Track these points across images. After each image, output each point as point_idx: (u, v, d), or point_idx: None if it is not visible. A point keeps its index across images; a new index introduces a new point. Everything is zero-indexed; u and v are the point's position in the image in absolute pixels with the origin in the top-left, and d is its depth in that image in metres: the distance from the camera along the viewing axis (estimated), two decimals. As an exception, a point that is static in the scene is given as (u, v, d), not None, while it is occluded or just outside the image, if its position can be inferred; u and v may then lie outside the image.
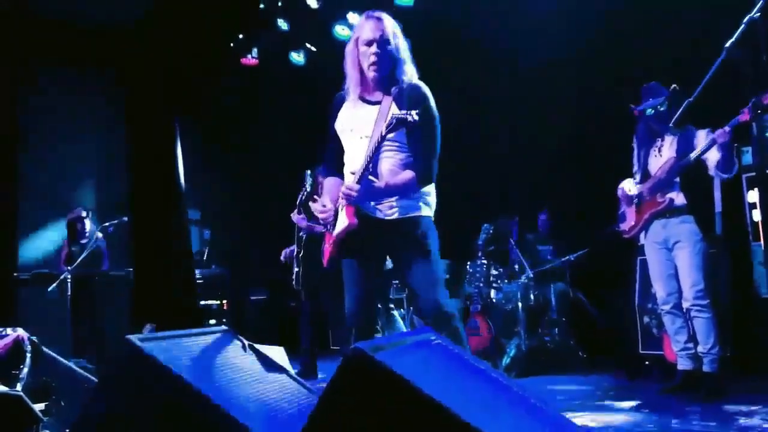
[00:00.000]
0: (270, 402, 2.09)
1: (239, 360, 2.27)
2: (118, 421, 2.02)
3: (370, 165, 2.82)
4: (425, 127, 2.80)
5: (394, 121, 2.69)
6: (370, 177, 2.83)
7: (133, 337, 1.99)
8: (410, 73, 2.90)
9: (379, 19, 2.88)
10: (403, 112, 2.70)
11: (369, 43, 2.85)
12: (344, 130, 2.98)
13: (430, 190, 2.96)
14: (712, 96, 2.48)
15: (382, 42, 2.84)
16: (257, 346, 2.45)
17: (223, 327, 2.47)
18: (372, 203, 2.87)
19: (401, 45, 2.88)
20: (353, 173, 2.88)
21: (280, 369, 2.38)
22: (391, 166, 2.86)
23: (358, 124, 2.91)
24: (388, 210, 2.86)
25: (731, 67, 2.18)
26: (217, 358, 2.19)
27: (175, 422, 1.93)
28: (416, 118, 2.67)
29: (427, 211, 2.93)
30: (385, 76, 2.87)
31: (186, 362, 2.01)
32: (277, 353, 2.77)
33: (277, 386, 2.24)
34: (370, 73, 2.87)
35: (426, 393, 1.31)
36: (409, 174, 2.84)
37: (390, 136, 2.78)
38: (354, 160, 2.91)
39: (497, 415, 1.49)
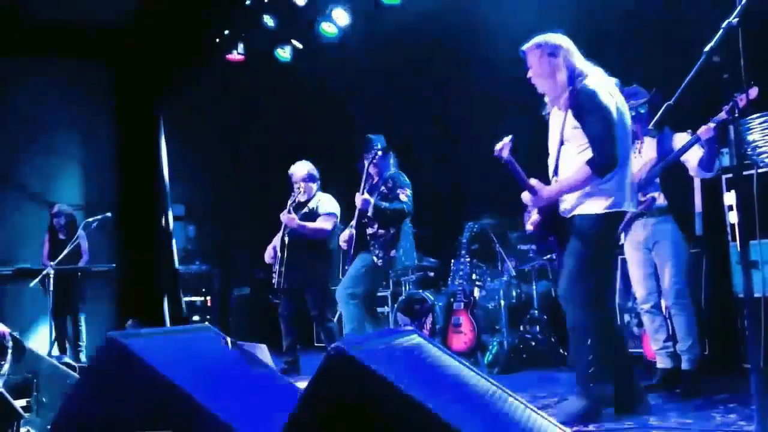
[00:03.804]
0: (253, 399, 2.10)
1: (222, 357, 2.27)
2: (99, 418, 2.02)
3: (556, 170, 3.32)
4: (586, 119, 3.15)
5: None
6: (554, 179, 3.34)
7: (116, 334, 1.99)
8: (572, 77, 3.23)
9: (524, 52, 3.35)
10: None
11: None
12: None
13: (603, 184, 3.19)
14: (691, 100, 2.52)
15: (530, 71, 3.33)
16: (240, 343, 2.45)
17: (206, 324, 2.48)
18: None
19: (545, 65, 3.27)
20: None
21: (263, 366, 2.39)
22: (570, 165, 3.25)
23: (551, 135, 3.40)
24: (562, 207, 3.33)
25: (710, 72, 2.21)
26: (200, 355, 2.19)
27: (157, 420, 1.94)
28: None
29: (587, 208, 3.22)
30: (548, 93, 3.33)
31: (169, 359, 2.01)
32: (260, 351, 2.78)
33: (260, 383, 2.25)
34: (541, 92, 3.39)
35: (405, 391, 1.33)
36: (580, 167, 3.18)
37: (567, 137, 3.23)
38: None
39: (475, 412, 1.52)
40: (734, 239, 4.26)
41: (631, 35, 5.39)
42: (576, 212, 3.28)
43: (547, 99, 3.42)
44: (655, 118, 2.35)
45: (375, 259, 4.78)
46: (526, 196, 3.35)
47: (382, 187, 4.94)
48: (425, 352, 1.74)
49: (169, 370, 1.91)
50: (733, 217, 4.22)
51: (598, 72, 3.31)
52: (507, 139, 3.44)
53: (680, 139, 3.94)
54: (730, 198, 4.21)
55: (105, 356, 2.02)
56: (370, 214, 4.82)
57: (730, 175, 4.41)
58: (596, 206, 3.23)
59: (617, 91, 3.32)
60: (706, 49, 2.17)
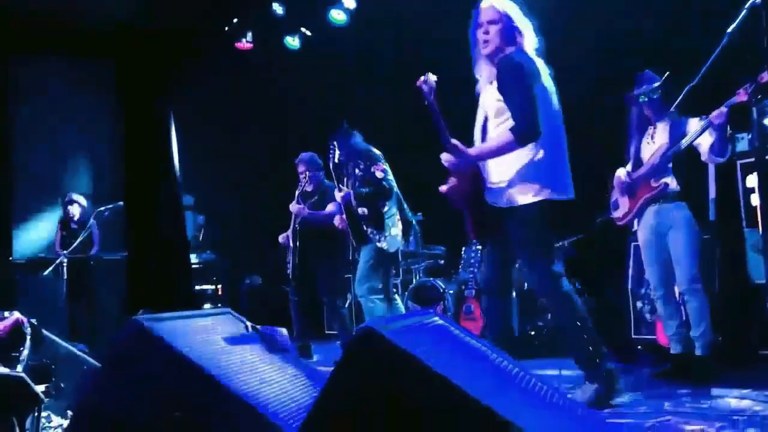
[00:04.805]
0: (275, 381, 2.12)
1: (243, 341, 2.29)
2: (123, 402, 2.03)
3: (482, 138, 3.19)
4: (507, 89, 3.09)
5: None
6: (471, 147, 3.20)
7: (140, 318, 2.00)
8: (514, 46, 3.16)
9: (485, 4, 3.22)
10: None
11: (479, 26, 3.22)
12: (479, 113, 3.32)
13: (530, 166, 3.12)
14: (711, 83, 2.50)
15: (486, 24, 3.18)
16: (260, 327, 2.46)
17: (227, 309, 2.49)
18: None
19: (505, 24, 3.17)
20: None
21: (282, 350, 2.40)
22: (496, 130, 3.16)
23: (483, 104, 3.26)
24: (490, 198, 3.20)
25: (732, 53, 2.20)
26: (221, 339, 2.21)
27: (181, 403, 1.95)
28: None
29: (516, 199, 3.14)
30: (494, 55, 3.19)
31: (192, 343, 2.02)
32: (280, 334, 2.79)
33: (282, 366, 2.27)
34: (484, 52, 3.21)
35: (435, 369, 1.34)
36: (502, 133, 3.10)
37: (491, 111, 3.14)
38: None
39: (502, 389, 1.53)
40: (753, 224, 4.24)
41: (643, 19, 5.35)
42: (507, 204, 3.18)
43: (478, 75, 3.33)
44: (678, 100, 2.34)
45: (378, 245, 4.74)
46: (445, 156, 3.21)
47: (356, 170, 4.87)
48: (448, 333, 1.76)
49: (194, 353, 1.93)
50: (754, 201, 4.20)
51: (530, 47, 3.24)
52: (432, 77, 3.25)
53: (694, 123, 3.91)
54: (751, 181, 4.19)
55: (128, 340, 2.03)
56: (354, 204, 4.77)
57: (746, 160, 4.40)
58: (524, 196, 3.14)
59: (546, 72, 3.26)
60: (729, 29, 2.15)
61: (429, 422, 1.36)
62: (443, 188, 3.31)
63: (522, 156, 3.12)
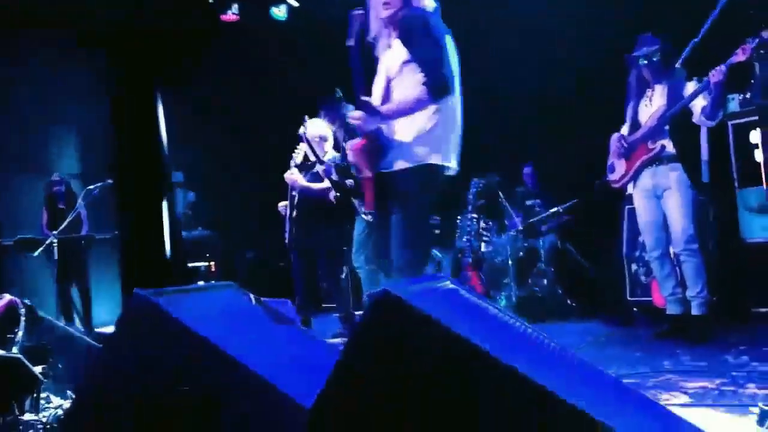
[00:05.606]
0: (283, 352, 2.10)
1: (249, 314, 2.27)
2: (128, 378, 2.00)
3: (383, 101, 2.99)
4: (418, 42, 2.91)
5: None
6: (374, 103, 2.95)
7: (144, 292, 1.97)
8: (417, 4, 3.01)
9: None
10: None
11: None
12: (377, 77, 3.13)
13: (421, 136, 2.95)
14: (710, 45, 2.46)
15: None
16: (264, 299, 2.44)
17: (230, 282, 2.46)
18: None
19: None
20: None
21: (288, 321, 2.39)
22: (404, 90, 2.95)
23: (383, 68, 3.07)
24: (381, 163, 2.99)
25: (734, 9, 2.17)
26: (227, 312, 2.18)
27: (189, 376, 1.93)
28: None
29: (408, 161, 2.95)
30: (394, 17, 3.00)
31: (197, 316, 1.99)
32: (284, 307, 2.77)
33: (288, 337, 2.25)
34: (384, 14, 3.01)
35: (454, 331, 1.33)
36: (416, 89, 2.89)
37: (396, 71, 2.95)
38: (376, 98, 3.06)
39: (521, 348, 1.52)
40: (755, 181, 4.25)
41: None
42: (397, 167, 2.97)
43: (373, 39, 3.12)
44: (682, 56, 2.31)
45: (363, 217, 4.70)
46: (356, 114, 2.97)
47: (344, 143, 4.78)
48: (462, 296, 1.75)
49: (201, 326, 1.89)
50: (759, 156, 4.21)
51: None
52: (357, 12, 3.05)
53: (692, 86, 3.90)
54: (755, 137, 4.19)
55: (131, 315, 2.00)
56: (336, 177, 4.66)
57: (737, 121, 4.41)
58: (414, 159, 2.94)
59: (449, 35, 3.10)
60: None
61: (448, 383, 1.36)
62: (349, 149, 3.05)
63: (418, 117, 2.93)
